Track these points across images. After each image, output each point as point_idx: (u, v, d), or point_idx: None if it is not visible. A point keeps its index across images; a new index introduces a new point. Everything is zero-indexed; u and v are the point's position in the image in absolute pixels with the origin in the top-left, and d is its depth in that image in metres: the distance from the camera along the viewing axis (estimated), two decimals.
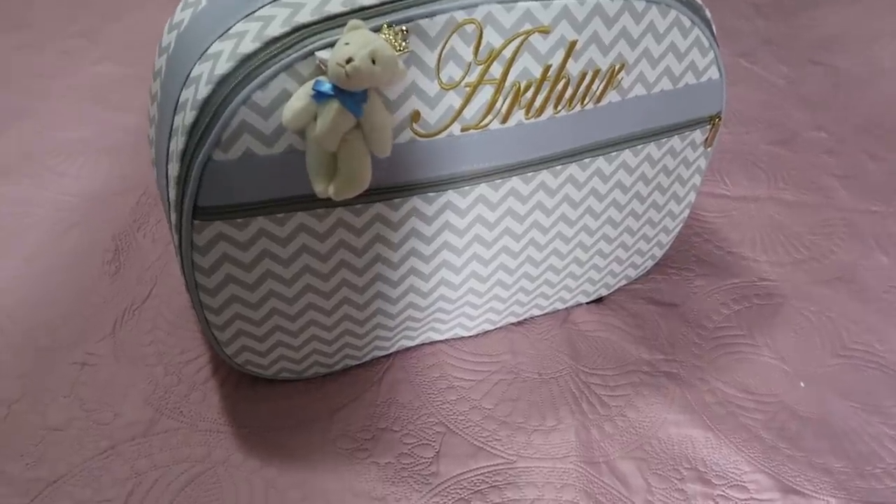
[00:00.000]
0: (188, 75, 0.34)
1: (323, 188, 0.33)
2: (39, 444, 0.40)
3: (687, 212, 0.50)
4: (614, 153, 0.42)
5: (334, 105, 0.31)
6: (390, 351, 0.47)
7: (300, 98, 0.31)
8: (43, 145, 0.60)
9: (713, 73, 0.43)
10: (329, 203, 0.35)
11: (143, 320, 0.47)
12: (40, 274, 0.50)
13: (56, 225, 0.53)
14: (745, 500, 0.40)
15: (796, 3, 0.92)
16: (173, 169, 0.34)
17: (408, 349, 0.48)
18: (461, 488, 0.40)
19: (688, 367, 0.48)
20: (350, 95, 0.31)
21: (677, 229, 0.51)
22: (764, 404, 0.46)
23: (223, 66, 0.32)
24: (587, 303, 0.52)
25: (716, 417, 0.45)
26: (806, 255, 0.57)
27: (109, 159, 0.59)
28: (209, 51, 0.33)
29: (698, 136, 0.46)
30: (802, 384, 0.48)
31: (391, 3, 0.33)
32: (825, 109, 0.74)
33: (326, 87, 0.30)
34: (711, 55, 0.42)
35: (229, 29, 0.33)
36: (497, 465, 0.42)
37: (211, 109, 0.32)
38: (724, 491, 0.41)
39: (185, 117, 0.33)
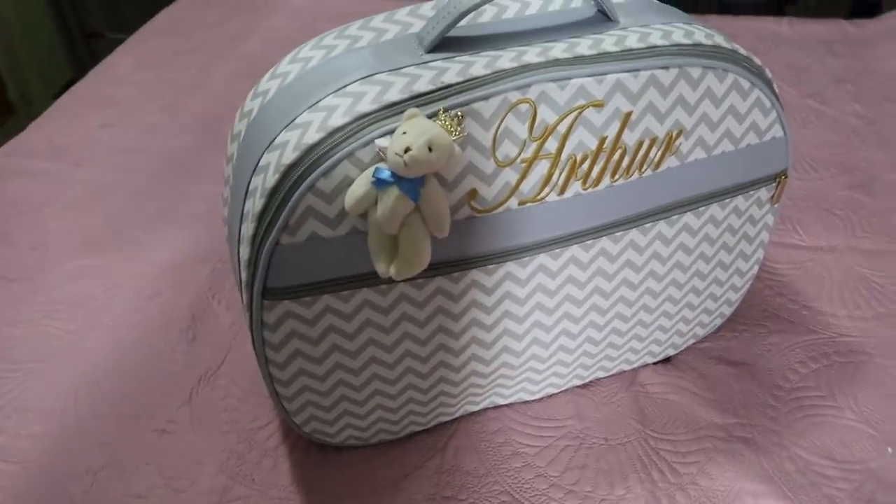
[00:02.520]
0: (257, 163, 0.36)
1: (384, 269, 0.34)
2: None
3: (756, 268, 0.49)
4: (675, 216, 0.42)
5: (394, 191, 0.32)
6: (455, 416, 0.47)
7: (361, 184, 0.33)
8: (127, 218, 0.64)
9: (776, 131, 0.42)
10: (391, 279, 0.36)
11: (217, 388, 0.49)
12: (125, 343, 0.53)
13: (139, 295, 0.56)
14: None
15: (868, 37, 0.89)
16: (244, 252, 0.36)
17: (472, 413, 0.48)
18: None
19: (764, 431, 0.46)
20: (408, 182, 0.32)
21: (746, 287, 0.50)
22: (849, 472, 0.44)
23: (289, 156, 0.34)
24: (654, 363, 0.51)
25: (796, 487, 0.43)
26: (890, 309, 0.54)
27: (186, 229, 0.62)
28: (276, 140, 0.35)
29: (764, 193, 0.45)
30: (890, 450, 0.45)
31: (447, 87, 0.34)
32: None
33: (386, 174, 0.32)
34: (774, 114, 0.41)
35: (295, 119, 0.35)
36: None
37: (278, 197, 0.34)
38: None
39: (255, 204, 0.35)
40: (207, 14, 0.98)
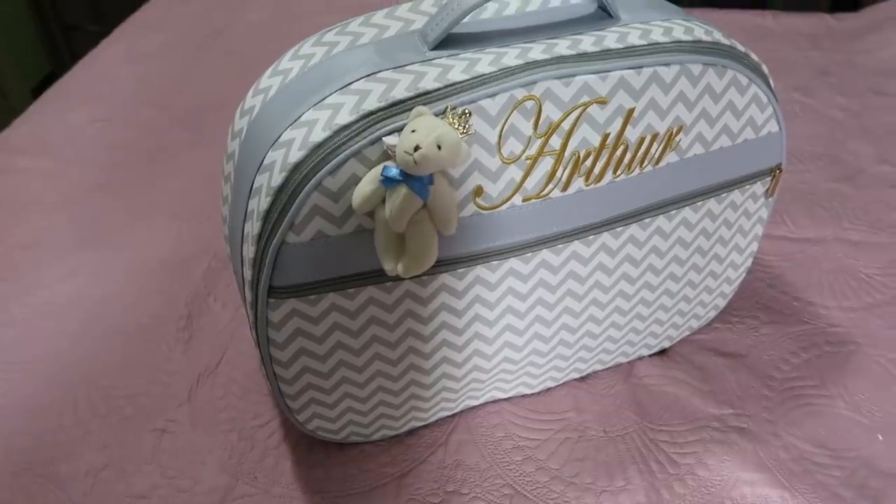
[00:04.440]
0: (262, 162, 0.36)
1: (392, 266, 0.34)
2: None
3: (749, 261, 0.50)
4: (674, 211, 0.42)
5: (402, 190, 0.32)
6: (455, 410, 0.47)
7: (369, 182, 0.33)
8: (119, 214, 0.63)
9: (772, 126, 0.43)
10: (398, 277, 0.36)
11: (216, 386, 0.49)
12: (122, 343, 0.52)
13: (134, 293, 0.56)
14: None
15: (852, 30, 0.90)
16: (248, 251, 0.36)
17: (472, 408, 0.48)
18: None
19: (759, 421, 0.47)
20: (417, 180, 0.32)
21: (740, 279, 0.51)
22: (842, 460, 0.45)
23: (295, 155, 0.34)
24: (650, 355, 0.51)
25: (791, 475, 0.44)
26: (878, 299, 0.55)
27: (179, 225, 0.62)
28: (281, 138, 0.35)
29: (759, 187, 0.45)
30: (881, 437, 0.46)
31: (453, 85, 0.34)
32: (889, 141, 0.72)
33: (394, 172, 0.32)
34: (770, 110, 0.42)
35: (300, 117, 0.35)
36: None
37: (285, 196, 0.34)
38: None
39: (260, 203, 0.35)
40: (191, 6, 0.96)
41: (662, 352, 0.52)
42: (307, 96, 0.35)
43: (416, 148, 0.31)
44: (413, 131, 0.31)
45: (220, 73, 0.82)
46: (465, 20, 0.37)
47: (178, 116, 0.75)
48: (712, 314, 0.52)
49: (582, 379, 0.50)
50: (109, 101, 0.78)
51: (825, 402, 0.48)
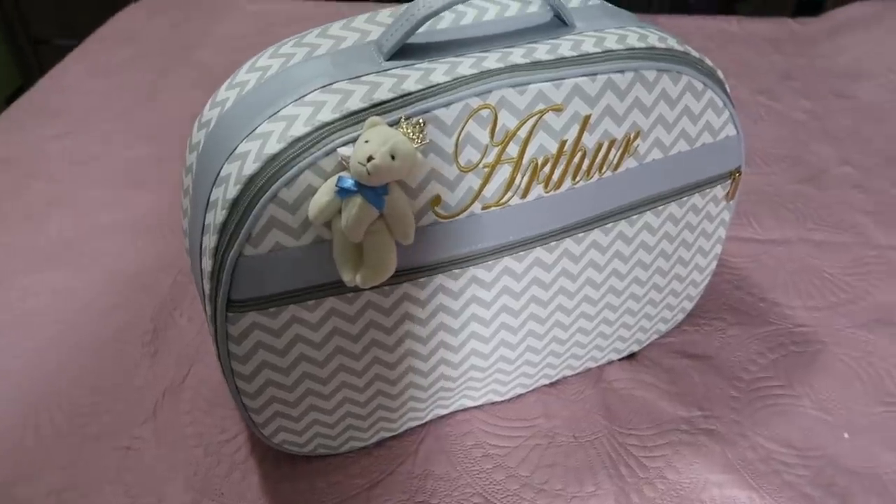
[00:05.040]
0: (217, 174, 0.35)
1: (350, 277, 0.34)
2: None
3: (714, 264, 0.50)
4: (636, 216, 0.43)
5: (357, 200, 0.32)
6: (424, 420, 0.47)
7: (324, 194, 0.33)
8: (83, 230, 0.62)
9: (730, 130, 0.43)
10: (357, 287, 0.36)
11: (182, 401, 0.48)
12: (85, 359, 0.51)
13: (98, 309, 0.55)
14: None
15: (814, 35, 0.92)
16: (206, 264, 0.36)
17: (441, 417, 0.48)
18: None
19: (726, 422, 0.47)
20: (372, 190, 0.32)
21: (706, 282, 0.51)
22: (808, 458, 0.45)
23: (251, 167, 0.33)
24: (619, 360, 0.51)
25: (759, 476, 0.44)
26: (842, 298, 0.56)
27: (145, 240, 0.61)
28: (237, 151, 0.35)
29: (719, 191, 0.46)
30: (846, 435, 0.47)
31: (407, 95, 0.34)
32: (851, 143, 0.73)
33: (349, 183, 0.32)
34: (727, 114, 0.43)
35: (255, 129, 0.35)
36: None
37: (240, 208, 0.34)
38: None
39: (216, 216, 0.34)
40: (159, 20, 0.96)
41: (631, 356, 0.52)
42: (263, 108, 0.35)
43: (370, 158, 0.31)
44: (367, 142, 0.31)
45: (189, 87, 0.81)
46: (421, 30, 0.38)
47: (144, 132, 0.74)
48: (680, 317, 0.52)
49: (552, 385, 0.50)
50: (74, 114, 0.77)
51: (791, 401, 0.49)
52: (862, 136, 0.74)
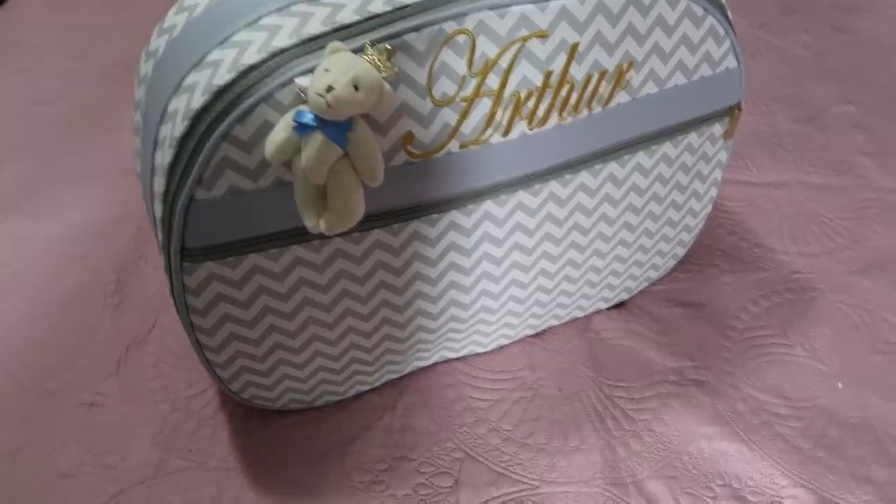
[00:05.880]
0: (165, 109, 0.32)
1: (314, 223, 0.31)
2: (48, 494, 0.39)
3: (709, 208, 0.48)
4: (627, 156, 0.40)
5: (318, 137, 0.28)
6: (403, 373, 0.45)
7: (281, 130, 0.29)
8: (42, 175, 0.59)
9: (730, 62, 0.40)
10: (322, 234, 0.33)
11: (147, 354, 0.46)
12: (45, 313, 0.49)
13: (58, 259, 0.52)
14: None
15: None
16: (157, 209, 0.33)
17: (422, 369, 0.46)
18: None
19: (717, 373, 0.46)
20: (334, 125, 0.28)
21: (699, 226, 0.48)
22: (800, 410, 0.44)
23: (199, 100, 0.30)
24: (608, 308, 0.49)
25: (749, 428, 0.42)
26: (840, 244, 0.54)
27: (107, 186, 0.58)
28: (184, 83, 0.31)
29: (717, 129, 0.43)
30: (840, 385, 0.45)
31: (374, 17, 0.31)
32: (852, 80, 0.70)
33: (308, 117, 0.28)
34: (728, 44, 0.39)
35: (204, 57, 0.31)
36: (519, 491, 0.40)
37: (189, 147, 0.30)
38: None
39: (164, 156, 0.31)
40: None
41: (620, 304, 0.50)
42: (213, 34, 0.31)
43: (330, 88, 0.27)
44: (327, 70, 0.28)
45: (153, 20, 0.76)
46: None
47: (106, 69, 0.70)
48: (671, 263, 0.50)
49: (537, 335, 0.48)
50: (32, 51, 0.72)
51: (785, 350, 0.47)
52: (864, 72, 0.71)
